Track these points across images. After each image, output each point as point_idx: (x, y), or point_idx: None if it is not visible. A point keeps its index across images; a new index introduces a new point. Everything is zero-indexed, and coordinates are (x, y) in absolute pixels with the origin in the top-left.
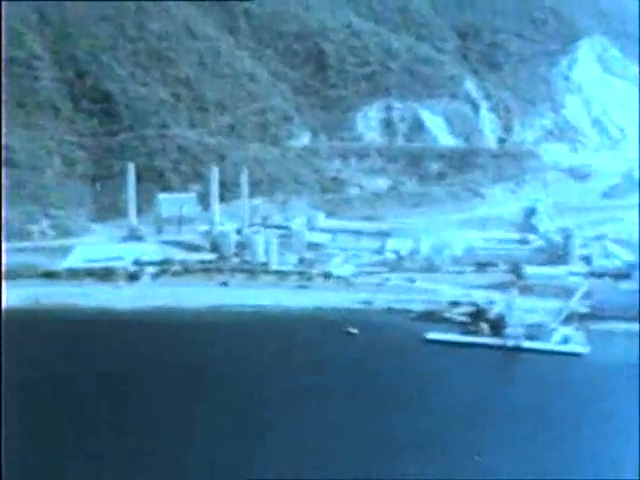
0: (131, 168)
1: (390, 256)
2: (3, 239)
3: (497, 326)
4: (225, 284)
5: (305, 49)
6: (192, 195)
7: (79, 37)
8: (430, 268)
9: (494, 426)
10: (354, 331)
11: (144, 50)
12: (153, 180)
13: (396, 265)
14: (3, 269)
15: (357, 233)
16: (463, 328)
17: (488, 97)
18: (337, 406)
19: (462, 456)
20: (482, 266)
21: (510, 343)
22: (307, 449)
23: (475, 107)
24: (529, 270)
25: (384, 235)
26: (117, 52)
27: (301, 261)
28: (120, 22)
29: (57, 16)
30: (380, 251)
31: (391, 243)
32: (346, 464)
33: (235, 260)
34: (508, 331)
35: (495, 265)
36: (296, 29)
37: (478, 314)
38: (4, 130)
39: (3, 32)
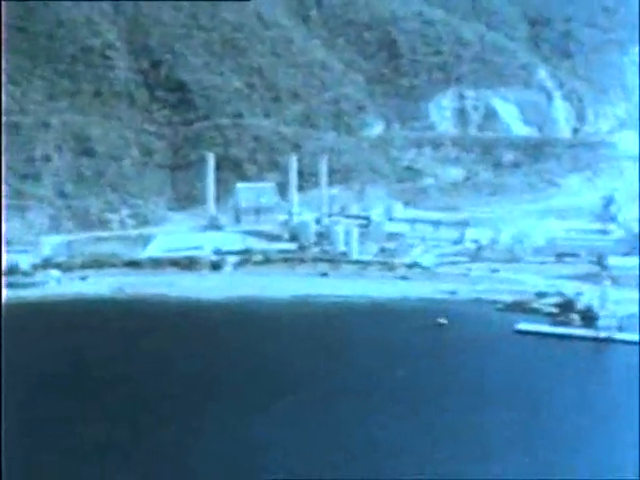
0: (210, 157)
1: (470, 246)
2: (83, 228)
3: (587, 317)
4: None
5: (377, 38)
6: (271, 184)
7: (153, 26)
8: (511, 258)
9: (591, 420)
10: (443, 321)
11: (217, 39)
12: (229, 169)
13: (476, 255)
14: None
15: (435, 223)
16: (552, 319)
17: (561, 86)
18: (433, 399)
19: (556, 451)
20: (564, 256)
21: (602, 334)
22: (397, 445)
23: (548, 96)
24: (612, 261)
25: (462, 225)
26: (190, 41)
27: (382, 251)
28: (193, 11)
29: (131, 5)
30: (460, 241)
31: (470, 233)
32: (436, 460)
33: (315, 250)
34: (600, 322)
35: (577, 255)
36: (367, 18)
37: (567, 305)
38: (83, 120)
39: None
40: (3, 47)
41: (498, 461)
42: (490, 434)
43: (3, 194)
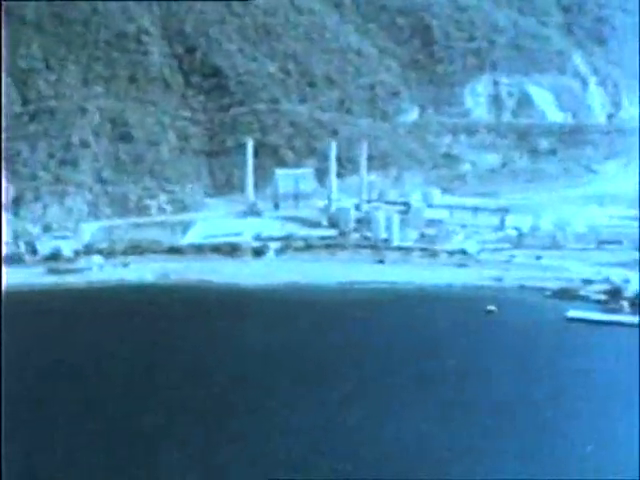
0: (249, 143)
1: (511, 233)
2: (122, 214)
3: (637, 304)
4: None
5: (410, 24)
6: (309, 170)
7: (187, 12)
8: (553, 245)
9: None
10: (493, 309)
11: (251, 25)
12: (266, 155)
13: (518, 242)
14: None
15: (474, 209)
16: (601, 306)
17: (596, 72)
18: (489, 387)
19: (609, 441)
20: (606, 243)
21: None
22: (447, 435)
23: (583, 82)
24: None
25: (502, 211)
26: (224, 27)
27: (421, 237)
28: None
29: None
30: (500, 228)
31: (511, 219)
32: (493, 454)
33: (355, 236)
34: None
35: (619, 243)
36: (400, 3)
37: (615, 292)
38: (120, 106)
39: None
40: (40, 35)
41: (549, 445)
42: (547, 421)
43: (42, 180)
